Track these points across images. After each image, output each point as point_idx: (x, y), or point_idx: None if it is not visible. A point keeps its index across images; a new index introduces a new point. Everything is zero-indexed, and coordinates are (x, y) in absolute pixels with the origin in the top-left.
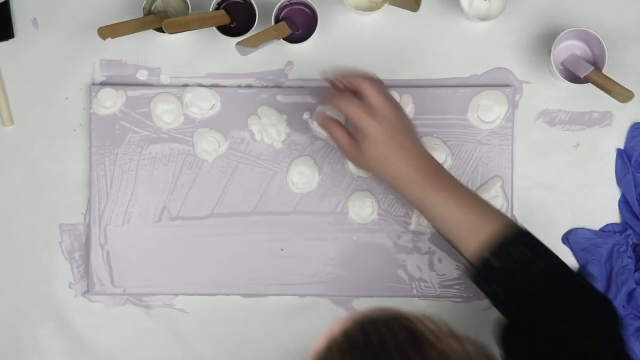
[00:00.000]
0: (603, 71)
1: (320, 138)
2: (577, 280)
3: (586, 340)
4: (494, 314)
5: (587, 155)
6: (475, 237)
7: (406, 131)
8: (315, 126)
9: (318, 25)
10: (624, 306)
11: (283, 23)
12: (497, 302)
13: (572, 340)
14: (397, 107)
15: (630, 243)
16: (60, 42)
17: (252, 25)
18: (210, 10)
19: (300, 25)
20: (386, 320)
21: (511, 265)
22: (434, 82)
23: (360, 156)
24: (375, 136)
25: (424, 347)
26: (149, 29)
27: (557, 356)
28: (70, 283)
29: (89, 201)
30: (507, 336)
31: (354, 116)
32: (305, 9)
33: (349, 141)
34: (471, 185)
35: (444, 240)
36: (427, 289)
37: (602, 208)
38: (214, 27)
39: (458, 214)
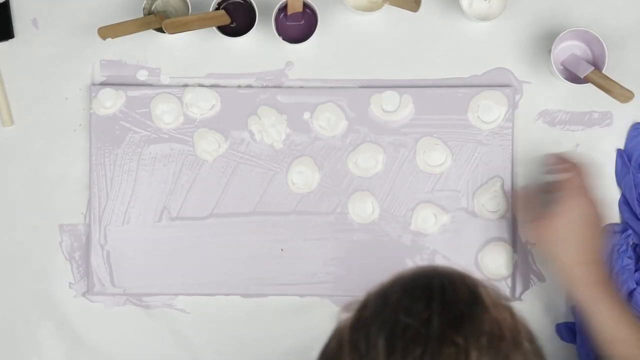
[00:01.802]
0: (603, 71)
1: (320, 138)
2: None
3: None
4: None
5: (587, 155)
6: None
7: (600, 236)
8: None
9: (318, 25)
10: None
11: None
12: None
13: None
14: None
15: (630, 243)
16: (60, 42)
17: (252, 25)
18: (211, 10)
19: (300, 26)
20: (451, 276)
21: None
22: (434, 82)
23: (542, 228)
24: (573, 214)
25: (478, 308)
26: (149, 29)
27: None
28: (70, 283)
29: (89, 201)
30: None
31: (570, 185)
32: (306, 9)
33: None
34: (471, 186)
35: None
36: None
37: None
38: (214, 27)
39: (620, 336)
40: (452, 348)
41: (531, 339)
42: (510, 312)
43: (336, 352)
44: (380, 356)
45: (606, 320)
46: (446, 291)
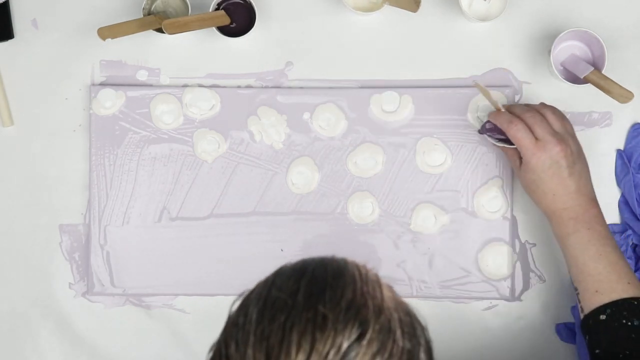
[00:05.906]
0: (603, 72)
1: (320, 138)
2: None
3: None
4: (493, 315)
5: (587, 155)
6: (599, 295)
7: (571, 169)
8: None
9: (318, 24)
10: None
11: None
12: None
13: None
14: (567, 143)
15: (630, 243)
16: (60, 42)
17: (252, 26)
18: (210, 10)
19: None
20: (328, 259)
21: (615, 326)
22: (434, 82)
23: (519, 172)
24: (534, 166)
25: (342, 280)
26: (148, 29)
27: None
28: (70, 283)
29: (89, 201)
30: None
31: (520, 145)
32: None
33: (516, 156)
34: (471, 186)
35: (571, 282)
36: (427, 289)
37: (602, 208)
38: (214, 28)
39: (592, 267)
40: (311, 312)
41: (408, 312)
42: (388, 291)
43: (222, 332)
44: (252, 326)
45: (576, 255)
46: (317, 269)
